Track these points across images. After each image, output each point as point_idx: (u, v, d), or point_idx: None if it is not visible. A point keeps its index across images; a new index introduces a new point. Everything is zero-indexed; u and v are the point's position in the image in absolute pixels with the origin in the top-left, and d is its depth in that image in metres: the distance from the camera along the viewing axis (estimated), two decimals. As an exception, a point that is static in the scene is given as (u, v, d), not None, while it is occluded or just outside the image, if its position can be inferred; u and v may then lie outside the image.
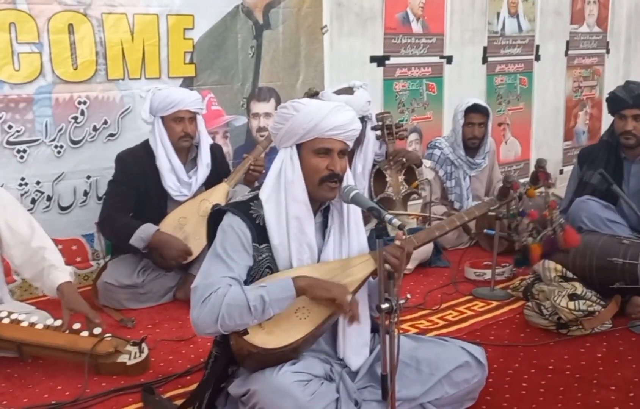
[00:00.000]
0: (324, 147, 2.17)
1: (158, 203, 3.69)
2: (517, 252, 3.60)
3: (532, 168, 4.82)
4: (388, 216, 2.04)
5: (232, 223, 2.14)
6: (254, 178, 3.82)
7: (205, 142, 3.83)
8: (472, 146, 4.68)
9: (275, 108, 3.97)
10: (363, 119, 3.93)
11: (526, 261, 3.61)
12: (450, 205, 4.68)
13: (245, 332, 2.08)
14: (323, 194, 2.20)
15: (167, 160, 3.66)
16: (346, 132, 2.20)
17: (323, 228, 2.26)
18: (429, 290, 3.82)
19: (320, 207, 2.26)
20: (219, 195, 3.68)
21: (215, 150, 3.94)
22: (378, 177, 4.19)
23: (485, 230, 4.11)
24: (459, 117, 4.63)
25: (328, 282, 2.14)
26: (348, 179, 2.25)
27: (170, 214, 3.66)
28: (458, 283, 3.92)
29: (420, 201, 4.70)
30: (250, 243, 2.14)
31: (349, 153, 3.51)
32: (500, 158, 6.27)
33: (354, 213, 2.27)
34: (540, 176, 3.34)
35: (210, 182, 3.81)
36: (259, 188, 2.23)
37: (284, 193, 2.16)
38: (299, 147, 2.19)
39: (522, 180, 3.47)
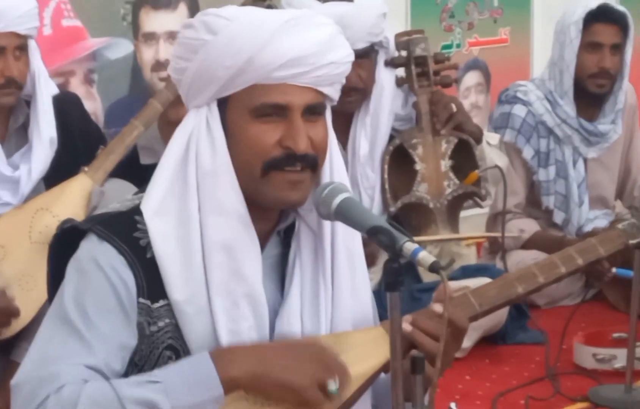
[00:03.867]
0: (271, 101, 1.74)
1: (-49, 220, 3.27)
2: None
3: None
4: (410, 246, 1.65)
5: (97, 257, 1.75)
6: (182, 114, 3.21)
7: (44, 95, 3.22)
8: (596, 92, 3.82)
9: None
10: (372, 48, 3.49)
11: None
12: (545, 217, 3.94)
13: None
14: (273, 196, 1.77)
15: None
16: (316, 69, 1.76)
17: (282, 267, 1.86)
18: (500, 391, 3.23)
19: (277, 227, 1.85)
20: (71, 199, 3.16)
21: (67, 105, 3.30)
22: (399, 160, 3.56)
23: (614, 269, 3.44)
24: (572, 33, 3.78)
25: (296, 354, 1.75)
26: (333, 168, 1.85)
27: (-29, 240, 3.25)
28: (559, 376, 3.30)
29: (485, 210, 3.94)
30: (135, 299, 1.74)
31: (342, 117, 3.51)
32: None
33: (347, 235, 1.86)
34: None
35: (58, 174, 3.17)
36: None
37: (195, 196, 1.78)
38: (222, 104, 1.78)
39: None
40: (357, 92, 3.41)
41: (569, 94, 3.85)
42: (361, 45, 3.30)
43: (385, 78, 3.52)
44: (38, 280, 2.90)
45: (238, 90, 1.79)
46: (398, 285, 1.67)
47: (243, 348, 1.78)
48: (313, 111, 1.79)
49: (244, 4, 3.17)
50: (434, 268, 1.67)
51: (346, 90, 3.31)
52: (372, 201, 3.46)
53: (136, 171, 3.18)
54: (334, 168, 1.85)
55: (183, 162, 1.82)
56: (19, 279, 3.02)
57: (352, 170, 3.49)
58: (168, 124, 3.10)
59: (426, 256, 1.66)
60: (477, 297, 2.02)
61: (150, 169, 1.94)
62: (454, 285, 2.16)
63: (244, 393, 1.77)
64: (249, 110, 1.77)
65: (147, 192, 1.85)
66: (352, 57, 1.84)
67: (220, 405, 1.71)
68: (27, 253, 3.06)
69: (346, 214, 1.78)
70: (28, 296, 2.97)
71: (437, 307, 1.79)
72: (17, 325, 2.95)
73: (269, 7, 3.16)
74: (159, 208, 1.82)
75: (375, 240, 1.72)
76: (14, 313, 2.91)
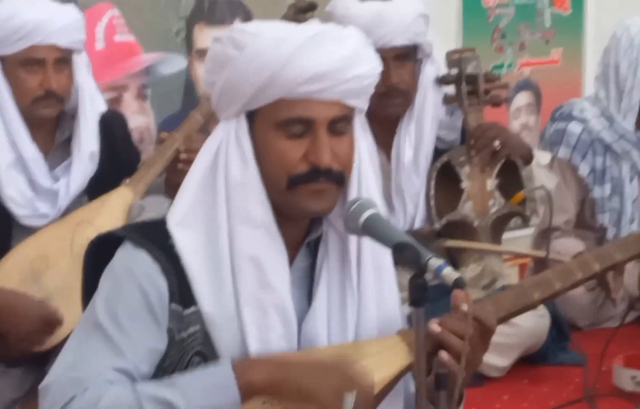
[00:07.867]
0: (296, 115, 1.81)
1: (-7, 232, 3.24)
2: None
3: None
4: (435, 262, 1.71)
5: (131, 264, 1.82)
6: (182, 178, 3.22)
7: (89, 110, 3.26)
8: None
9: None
10: (414, 50, 3.44)
11: None
12: (595, 236, 3.90)
13: None
14: (299, 206, 1.84)
15: (8, 146, 3.16)
16: (341, 83, 1.81)
17: (311, 278, 1.92)
18: (537, 412, 3.32)
19: (307, 238, 1.91)
20: (112, 212, 3.24)
21: (111, 123, 3.38)
22: (446, 178, 3.57)
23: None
24: (635, 48, 3.78)
25: (316, 364, 1.80)
26: (362, 183, 1.90)
27: (13, 251, 3.16)
28: (597, 398, 3.27)
29: (532, 229, 3.91)
30: (167, 305, 1.81)
31: (387, 126, 3.53)
32: None
33: (374, 248, 1.91)
34: None
35: (101, 189, 3.25)
36: None
37: (224, 207, 1.84)
38: (250, 116, 1.85)
39: None
40: (399, 94, 3.45)
41: (635, 110, 3.80)
42: (401, 41, 3.33)
43: (428, 85, 3.52)
44: (79, 292, 2.64)
45: (264, 104, 1.84)
46: (423, 301, 1.72)
47: (265, 357, 1.83)
48: (339, 122, 1.83)
49: (284, 17, 3.40)
50: (457, 283, 1.73)
51: (388, 92, 3.31)
52: (416, 208, 3.52)
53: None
54: (362, 183, 1.89)
55: (211, 172, 1.87)
56: (60, 290, 3.08)
57: (397, 177, 3.53)
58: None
59: (450, 273, 1.71)
60: (495, 304, 2.06)
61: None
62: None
63: (263, 399, 1.81)
64: (275, 123, 1.82)
65: (175, 201, 1.90)
66: (378, 70, 1.87)
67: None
68: (69, 266, 3.09)
69: (373, 230, 1.83)
70: (69, 309, 3.00)
71: (464, 307, 1.83)
72: (57, 337, 2.99)
73: (311, 9, 3.46)
74: (183, 219, 1.87)
75: (400, 256, 1.79)
76: (58, 322, 2.99)
